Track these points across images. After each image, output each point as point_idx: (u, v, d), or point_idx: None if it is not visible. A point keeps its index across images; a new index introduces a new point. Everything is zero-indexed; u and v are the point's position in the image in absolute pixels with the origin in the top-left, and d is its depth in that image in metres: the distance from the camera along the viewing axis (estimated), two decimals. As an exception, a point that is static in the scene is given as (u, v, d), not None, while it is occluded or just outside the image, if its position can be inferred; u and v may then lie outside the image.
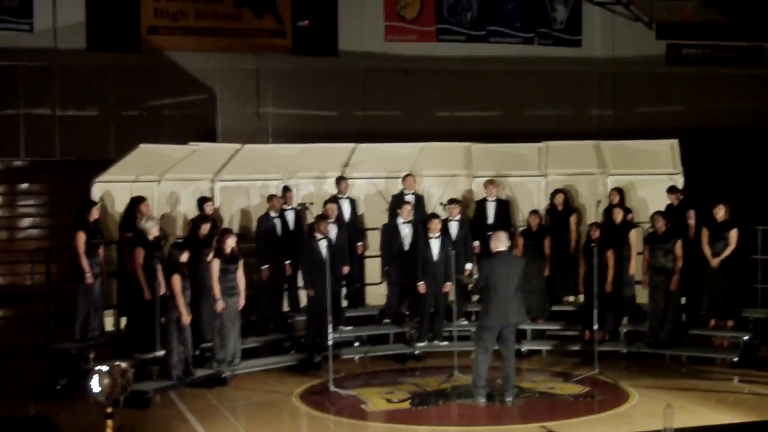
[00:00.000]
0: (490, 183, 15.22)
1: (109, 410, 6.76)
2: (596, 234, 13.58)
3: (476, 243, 14.93)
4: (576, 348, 14.20)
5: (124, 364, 6.92)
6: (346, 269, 14.28)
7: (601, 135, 19.59)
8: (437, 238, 13.94)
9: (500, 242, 11.40)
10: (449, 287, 13.97)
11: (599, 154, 16.23)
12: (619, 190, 15.01)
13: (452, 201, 14.66)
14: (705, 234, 13.99)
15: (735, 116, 23.47)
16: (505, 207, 15.27)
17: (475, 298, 13.88)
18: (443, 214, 14.47)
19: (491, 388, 11.49)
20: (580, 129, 21.66)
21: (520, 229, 15.11)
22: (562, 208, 15.10)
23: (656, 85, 23.50)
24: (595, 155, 16.21)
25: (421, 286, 13.95)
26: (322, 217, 13.58)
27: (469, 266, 14.54)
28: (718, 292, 13.91)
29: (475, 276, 12.96)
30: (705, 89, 23.68)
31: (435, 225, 13.96)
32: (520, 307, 11.33)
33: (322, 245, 13.15)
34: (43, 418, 7.78)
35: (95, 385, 6.78)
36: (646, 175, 15.57)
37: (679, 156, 15.70)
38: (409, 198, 14.81)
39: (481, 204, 15.22)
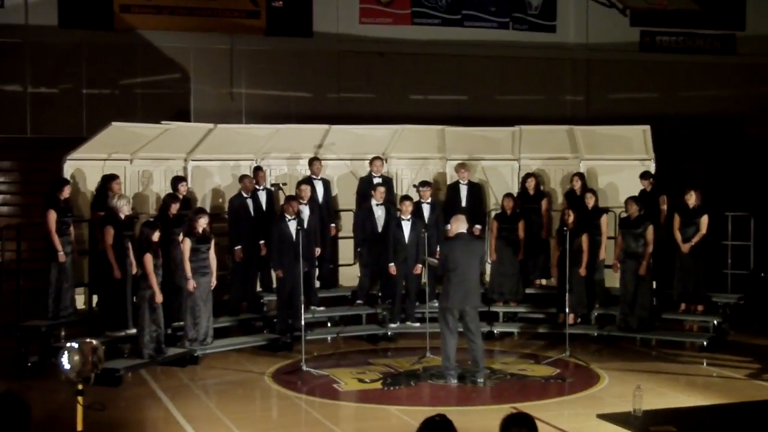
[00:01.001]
0: (461, 166, 15.23)
1: (80, 387, 6.70)
2: (570, 219, 13.62)
3: (449, 226, 14.94)
4: (547, 330, 14.29)
5: (94, 341, 6.84)
6: (318, 250, 14.26)
7: (574, 121, 19.66)
8: (408, 220, 13.96)
9: (460, 224, 11.46)
10: (420, 269, 14.01)
11: (572, 139, 16.29)
12: (581, 175, 15.09)
13: (424, 183, 14.67)
14: (676, 220, 14.10)
15: (707, 104, 23.64)
16: (477, 190, 15.31)
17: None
18: (416, 197, 14.48)
19: (463, 369, 11.54)
20: (554, 114, 21.74)
21: (495, 212, 15.15)
22: (534, 193, 15.14)
23: (629, 72, 23.63)
24: (568, 140, 16.28)
25: (392, 268, 13.98)
26: (292, 198, 13.55)
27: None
28: (688, 278, 14.03)
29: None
30: (677, 77, 23.83)
31: (407, 207, 13.97)
32: (478, 290, 11.49)
33: (292, 226, 13.14)
34: (12, 395, 7.70)
35: (65, 361, 6.70)
36: (619, 160, 15.65)
37: (651, 142, 15.79)
38: (377, 181, 14.78)
39: (454, 187, 15.24)
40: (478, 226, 15.00)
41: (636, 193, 14.39)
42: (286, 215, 13.33)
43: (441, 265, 11.58)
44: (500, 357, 13.03)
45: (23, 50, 19.91)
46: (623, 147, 15.88)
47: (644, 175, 14.87)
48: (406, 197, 14.22)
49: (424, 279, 14.12)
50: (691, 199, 14.02)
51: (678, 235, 14.02)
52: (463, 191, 15.12)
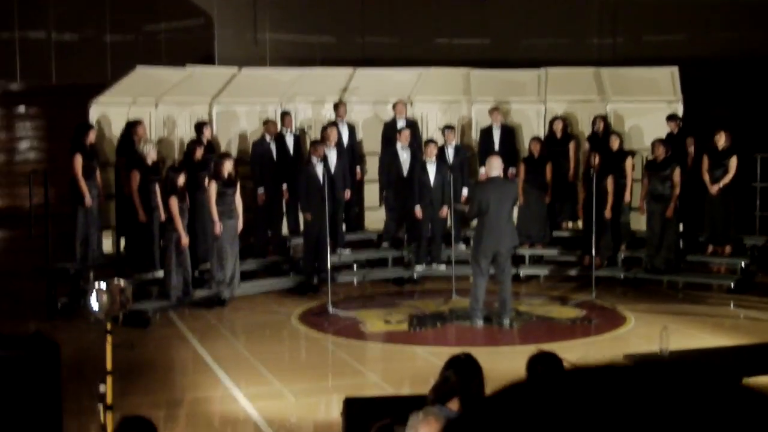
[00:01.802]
0: (495, 110, 15.12)
1: (109, 327, 6.77)
2: (596, 161, 13.53)
3: (482, 170, 14.92)
4: (574, 273, 14.27)
5: (122, 282, 6.91)
6: (347, 193, 14.27)
7: (601, 63, 19.44)
8: (433, 163, 13.93)
9: (494, 168, 11.39)
10: (445, 212, 14.00)
11: (599, 81, 16.14)
12: (603, 117, 14.95)
13: (447, 127, 14.62)
14: (705, 161, 13.96)
15: (736, 46, 23.26)
16: (510, 133, 15.22)
17: (473, 224, 13.93)
18: (441, 140, 14.43)
19: (489, 311, 11.56)
20: (580, 57, 21.43)
21: (522, 156, 15.08)
22: (561, 136, 15.04)
23: (657, 14, 23.23)
24: (594, 82, 16.12)
25: (418, 211, 13.98)
26: (318, 142, 13.53)
27: (465, 191, 14.56)
28: (717, 220, 13.92)
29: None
30: (706, 18, 23.43)
31: (431, 150, 13.94)
32: (513, 232, 11.42)
33: (319, 170, 13.14)
34: (42, 335, 7.79)
35: (94, 301, 6.77)
36: (646, 102, 15.49)
37: (679, 84, 15.61)
38: (401, 124, 14.73)
39: (487, 131, 15.14)
40: (512, 170, 14.93)
41: (663, 136, 14.26)
42: (313, 158, 13.31)
43: (472, 209, 11.47)
44: (526, 299, 13.04)
45: (47, -4, 19.87)
46: (650, 89, 15.71)
47: (671, 118, 14.71)
48: (431, 140, 14.18)
49: (450, 222, 14.11)
50: (721, 140, 13.87)
51: (707, 177, 13.89)
52: (496, 134, 15.03)
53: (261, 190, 13.99)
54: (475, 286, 11.34)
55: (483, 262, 11.25)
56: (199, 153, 13.24)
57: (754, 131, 18.37)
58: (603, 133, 14.67)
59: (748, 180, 14.73)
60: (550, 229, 14.81)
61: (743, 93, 21.63)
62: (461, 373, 4.86)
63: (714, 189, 13.80)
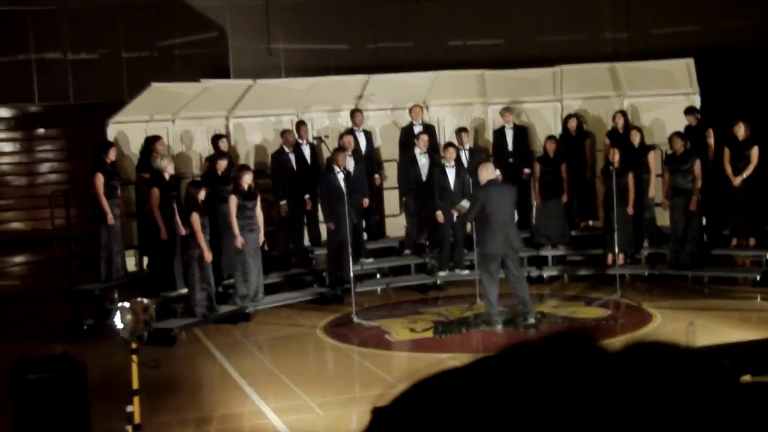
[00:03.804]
0: (506, 110, 15.09)
1: (134, 346, 6.79)
2: (615, 157, 13.44)
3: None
4: (597, 272, 14.18)
5: (145, 300, 6.94)
6: (366, 201, 14.26)
7: (616, 58, 19.37)
8: (452, 167, 13.90)
9: (489, 172, 11.39)
10: (455, 213, 13.90)
11: (614, 76, 16.06)
12: (623, 113, 14.86)
13: (461, 130, 14.58)
14: (726, 153, 13.85)
15: (749, 34, 23.10)
16: (523, 133, 15.18)
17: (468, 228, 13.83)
18: (455, 143, 14.40)
19: (511, 313, 11.51)
20: (594, 53, 21.39)
21: (537, 155, 15.02)
22: (576, 133, 14.97)
23: (670, 6, 23.13)
24: (610, 78, 16.05)
25: (440, 216, 13.94)
26: (340, 150, 13.51)
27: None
28: (740, 212, 13.80)
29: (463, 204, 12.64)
30: (719, 7, 23.30)
31: (450, 154, 13.90)
32: (517, 234, 11.46)
33: (341, 178, 13.12)
34: (68, 356, 7.83)
35: (118, 321, 6.80)
36: (662, 95, 15.40)
37: (695, 75, 15.52)
38: (418, 129, 14.71)
39: (500, 132, 15.11)
40: (527, 170, 14.91)
41: (681, 129, 14.16)
42: (335, 167, 13.27)
43: (472, 210, 11.36)
44: (550, 300, 12.98)
45: (61, 17, 19.98)
46: (666, 82, 15.63)
47: (689, 111, 14.59)
48: (451, 144, 14.15)
49: (471, 226, 14.06)
50: (740, 130, 13.75)
51: (729, 169, 13.77)
52: (509, 135, 15.00)
53: (284, 202, 13.97)
54: (488, 291, 11.26)
55: (492, 266, 11.18)
56: (223, 165, 13.20)
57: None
58: (624, 128, 14.57)
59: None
60: (569, 228, 14.73)
61: (760, 81, 21.47)
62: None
63: (737, 181, 13.68)
